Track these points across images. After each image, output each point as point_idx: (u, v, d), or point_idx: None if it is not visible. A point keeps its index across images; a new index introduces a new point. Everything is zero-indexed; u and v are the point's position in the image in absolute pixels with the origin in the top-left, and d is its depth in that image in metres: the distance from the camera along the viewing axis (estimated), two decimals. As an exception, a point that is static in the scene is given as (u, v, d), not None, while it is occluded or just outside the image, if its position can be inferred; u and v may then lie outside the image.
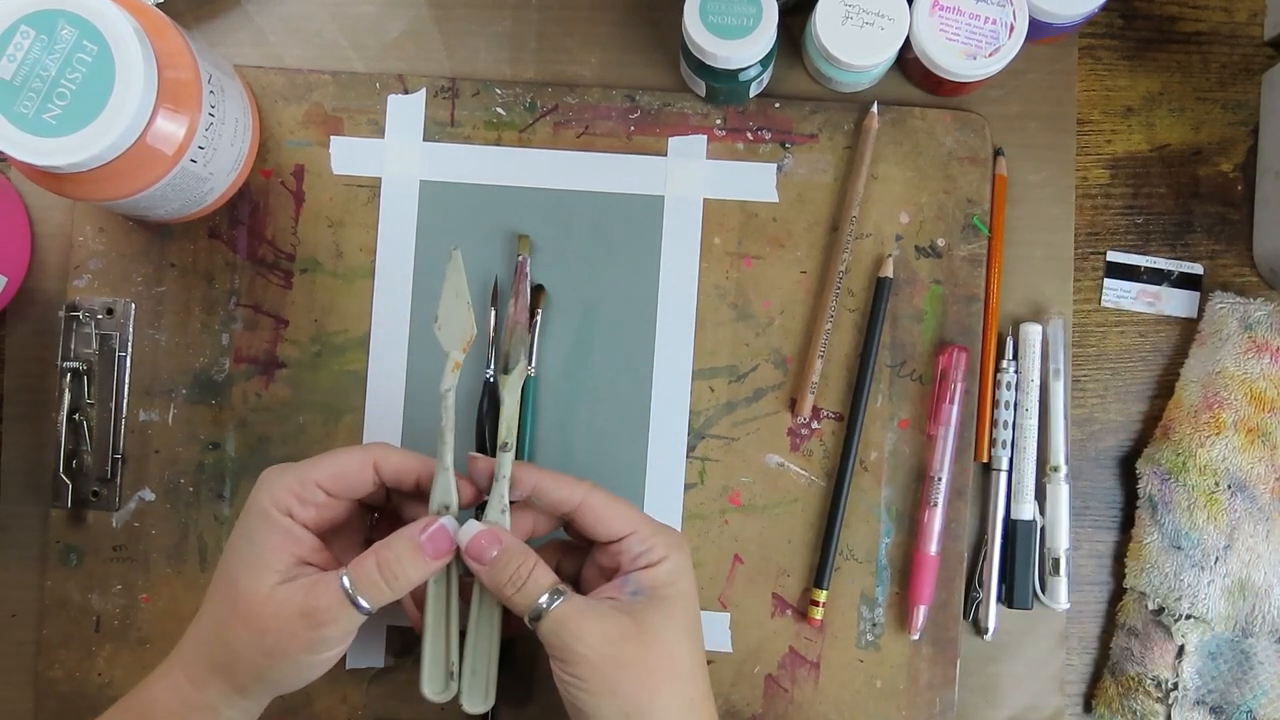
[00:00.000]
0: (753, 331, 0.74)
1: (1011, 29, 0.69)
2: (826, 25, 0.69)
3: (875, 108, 0.74)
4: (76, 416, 0.73)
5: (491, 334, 0.73)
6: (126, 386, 0.74)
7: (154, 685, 0.60)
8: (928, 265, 0.74)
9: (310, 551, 0.59)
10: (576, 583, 0.65)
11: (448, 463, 0.60)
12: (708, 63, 0.69)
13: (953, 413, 0.73)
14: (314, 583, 0.58)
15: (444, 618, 0.62)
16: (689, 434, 0.74)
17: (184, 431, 0.74)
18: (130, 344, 0.74)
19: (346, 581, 0.57)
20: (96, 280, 0.74)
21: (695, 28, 0.67)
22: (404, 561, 0.57)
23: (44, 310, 0.75)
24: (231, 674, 0.58)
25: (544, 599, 0.58)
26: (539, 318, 0.73)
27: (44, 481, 0.74)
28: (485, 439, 0.73)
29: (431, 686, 0.62)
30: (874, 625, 0.73)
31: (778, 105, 0.74)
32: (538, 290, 0.74)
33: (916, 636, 0.73)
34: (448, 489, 0.60)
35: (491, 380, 0.73)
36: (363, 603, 0.57)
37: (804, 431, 0.74)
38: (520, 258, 0.72)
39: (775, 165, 0.74)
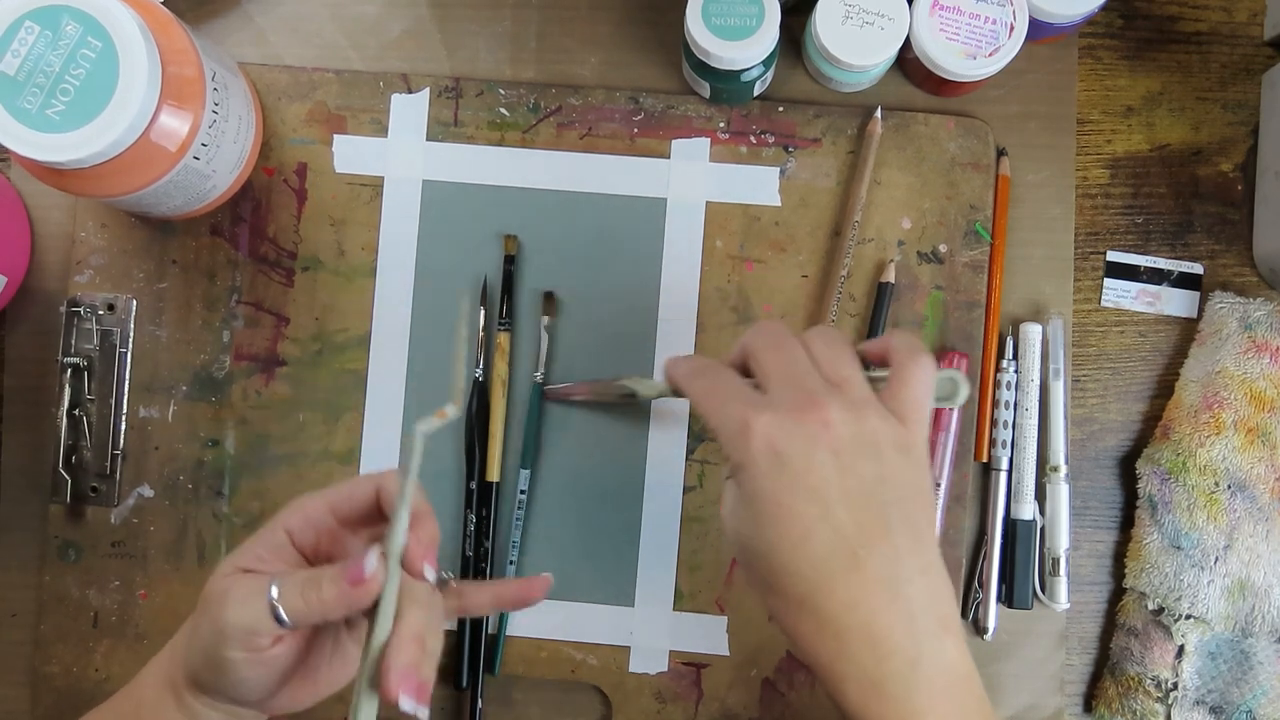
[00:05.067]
0: (754, 335, 0.74)
1: (1011, 29, 0.69)
2: (826, 25, 0.69)
3: (879, 113, 0.74)
4: (76, 412, 0.73)
5: (481, 334, 0.74)
6: (127, 383, 0.74)
7: (140, 684, 0.60)
8: (929, 271, 0.74)
9: (289, 568, 0.57)
10: None
11: (401, 506, 0.56)
12: (711, 64, 0.69)
13: (953, 419, 0.73)
14: (251, 575, 0.56)
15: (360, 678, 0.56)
16: (689, 437, 0.74)
17: (184, 428, 0.74)
18: (131, 340, 0.74)
19: (274, 586, 0.54)
20: (98, 276, 0.74)
21: (698, 29, 0.67)
22: (324, 578, 0.54)
23: (44, 310, 0.75)
24: (182, 657, 0.58)
25: None
26: (550, 323, 0.74)
27: (44, 481, 0.74)
28: (474, 439, 0.73)
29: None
30: (872, 630, 0.73)
31: (781, 109, 0.75)
32: (548, 297, 0.74)
33: (914, 642, 0.72)
34: (396, 531, 0.56)
35: (481, 380, 0.73)
36: (279, 609, 0.54)
37: (804, 435, 0.74)
38: (547, 389, 0.73)
39: (778, 169, 0.74)
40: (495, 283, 0.74)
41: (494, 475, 0.73)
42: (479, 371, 0.73)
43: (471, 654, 0.73)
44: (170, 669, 0.59)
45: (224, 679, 0.56)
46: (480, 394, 0.73)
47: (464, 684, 0.72)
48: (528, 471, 0.73)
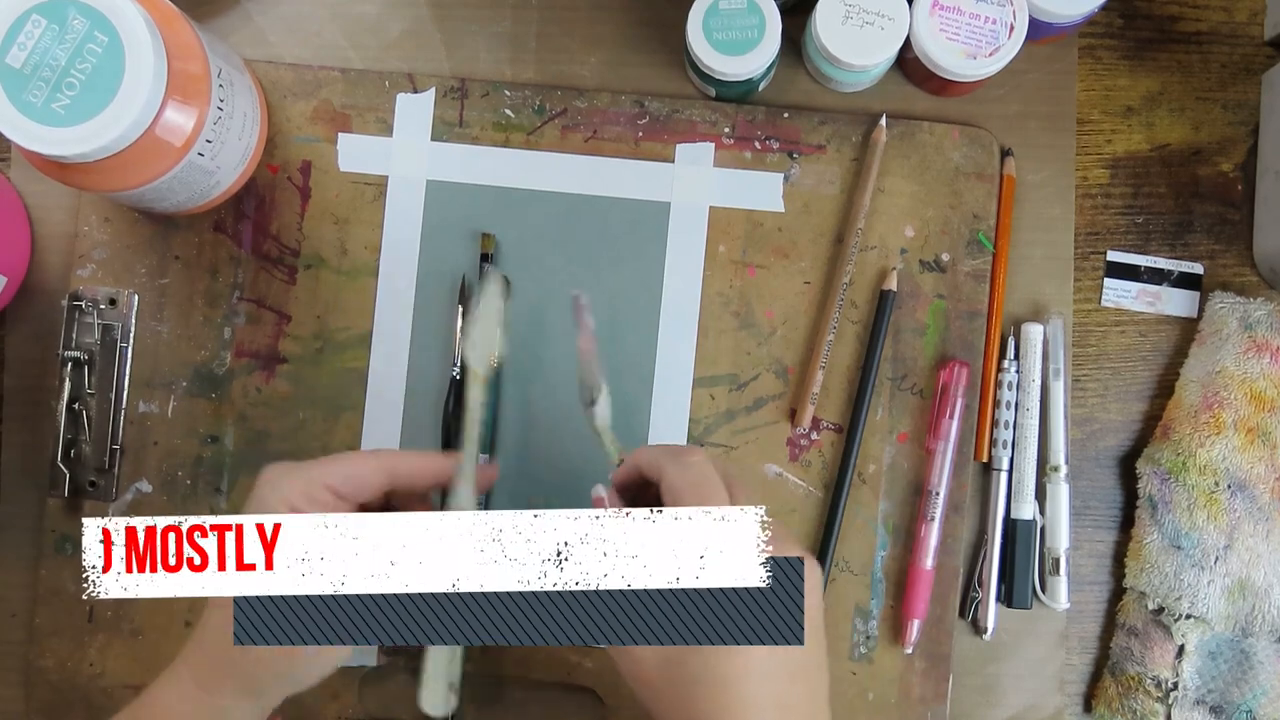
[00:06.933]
0: (755, 340, 0.74)
1: (1011, 29, 0.69)
2: (826, 25, 0.70)
3: (884, 120, 0.74)
4: (76, 406, 0.73)
5: (460, 332, 0.74)
6: (127, 378, 0.74)
7: (163, 691, 0.58)
8: (931, 279, 0.74)
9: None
10: None
11: (469, 471, 0.59)
12: (715, 76, 0.69)
13: (952, 428, 0.72)
14: None
15: None
16: (688, 441, 0.74)
17: (183, 424, 0.74)
18: (132, 335, 0.74)
19: None
20: (100, 270, 0.74)
21: (699, 45, 0.68)
22: None
23: (44, 309, 0.75)
24: (247, 677, 0.57)
25: None
26: (508, 306, 0.73)
27: (43, 480, 0.74)
28: (450, 437, 0.73)
29: (431, 701, 0.58)
30: (868, 638, 0.73)
31: (786, 115, 0.75)
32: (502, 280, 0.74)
33: (910, 650, 0.72)
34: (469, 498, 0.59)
35: (458, 378, 0.73)
36: None
37: (803, 442, 0.74)
38: (576, 294, 0.70)
39: (782, 175, 0.74)
40: (471, 279, 0.74)
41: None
42: (455, 370, 0.73)
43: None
44: (207, 699, 0.57)
45: (317, 671, 0.58)
46: (457, 393, 0.73)
47: None
48: (485, 456, 0.73)
